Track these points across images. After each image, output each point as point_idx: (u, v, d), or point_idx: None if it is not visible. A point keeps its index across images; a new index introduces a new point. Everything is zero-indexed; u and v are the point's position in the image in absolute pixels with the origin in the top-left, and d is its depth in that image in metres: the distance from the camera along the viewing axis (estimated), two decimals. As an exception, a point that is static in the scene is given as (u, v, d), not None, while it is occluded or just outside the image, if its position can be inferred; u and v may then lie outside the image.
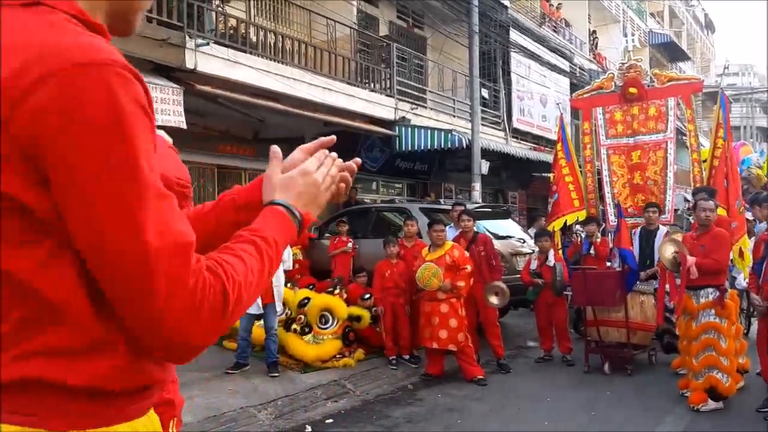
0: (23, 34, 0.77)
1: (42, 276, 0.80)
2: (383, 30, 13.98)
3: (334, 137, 1.20)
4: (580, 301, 6.89)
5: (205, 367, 5.99)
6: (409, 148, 11.32)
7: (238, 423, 4.96)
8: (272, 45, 9.41)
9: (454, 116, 13.42)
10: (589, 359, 6.72)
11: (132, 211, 0.77)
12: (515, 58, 15.26)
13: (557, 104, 12.58)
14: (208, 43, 7.77)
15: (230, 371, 6.10)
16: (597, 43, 22.88)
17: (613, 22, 23.56)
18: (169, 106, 7.00)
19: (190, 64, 7.52)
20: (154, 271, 0.78)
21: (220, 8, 9.00)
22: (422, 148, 11.16)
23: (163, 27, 7.30)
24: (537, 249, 7.54)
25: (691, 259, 5.14)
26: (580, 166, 8.42)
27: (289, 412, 5.34)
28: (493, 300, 6.60)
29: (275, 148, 1.13)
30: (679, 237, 5.90)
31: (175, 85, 7.31)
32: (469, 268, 6.32)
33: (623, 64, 8.55)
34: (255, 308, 5.99)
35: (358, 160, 1.21)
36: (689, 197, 9.44)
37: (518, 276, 7.66)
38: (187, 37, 7.52)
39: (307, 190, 1.06)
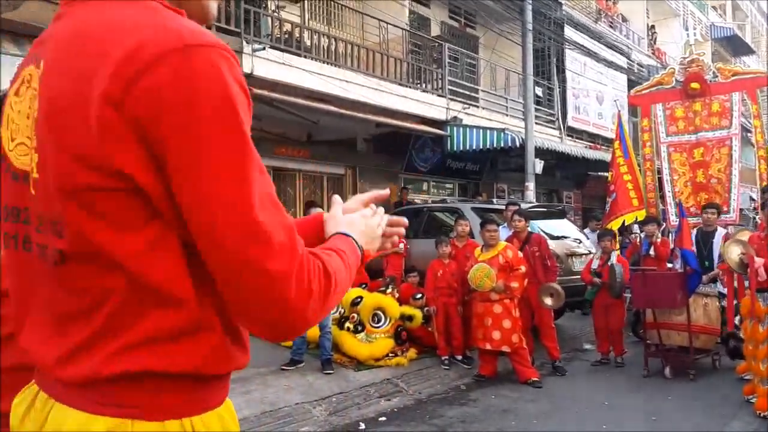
0: (132, 18, 0.79)
1: (149, 258, 0.80)
2: (435, 30, 13.97)
3: (387, 192, 1.25)
4: (640, 303, 6.70)
5: (262, 363, 6.14)
6: (461, 148, 11.27)
7: (294, 418, 5.06)
8: (326, 48, 9.56)
9: (507, 115, 13.28)
10: (649, 363, 6.53)
11: (245, 186, 0.79)
12: (570, 55, 14.98)
13: (615, 101, 12.26)
14: (264, 48, 7.96)
15: (285, 368, 6.22)
16: (656, 38, 22.18)
17: (672, 16, 22.80)
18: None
19: (247, 69, 7.73)
20: (270, 246, 0.78)
21: (275, 13, 9.20)
22: (474, 147, 11.09)
23: (221, 33, 7.53)
24: (600, 249, 7.34)
25: (759, 261, 4.93)
26: (639, 165, 8.21)
27: (342, 409, 5.42)
28: (548, 301, 6.50)
29: (336, 197, 1.20)
30: (745, 237, 5.67)
31: (232, 89, 7.52)
32: (523, 268, 6.25)
33: (684, 58, 8.29)
34: None
35: (405, 220, 1.24)
36: (755, 196, 9.06)
37: (574, 277, 7.52)
38: (244, 42, 7.73)
39: (367, 231, 1.10)
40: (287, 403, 5.30)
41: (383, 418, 5.30)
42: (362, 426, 5.10)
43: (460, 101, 11.94)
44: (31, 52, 0.90)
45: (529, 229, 7.03)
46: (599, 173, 15.74)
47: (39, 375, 0.91)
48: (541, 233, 7.32)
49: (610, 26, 18.26)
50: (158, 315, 0.81)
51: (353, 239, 1.04)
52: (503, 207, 8.28)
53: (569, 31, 14.60)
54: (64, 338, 0.84)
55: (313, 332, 6.54)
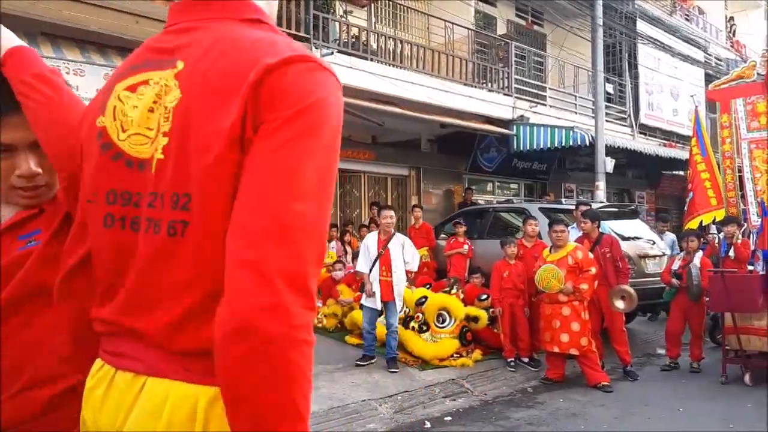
0: (264, 37, 0.94)
1: None
2: (501, 29, 13.84)
3: None
4: (718, 306, 6.43)
5: (329, 361, 6.29)
6: (528, 147, 11.11)
7: (361, 414, 5.16)
8: (392, 50, 9.66)
9: (576, 113, 12.99)
10: (728, 369, 6.25)
11: (325, 181, 0.87)
12: (643, 50, 14.48)
13: (691, 97, 11.77)
14: (332, 53, 8.14)
15: (360, 363, 6.32)
16: (735, 30, 21.11)
17: (753, 7, 21.62)
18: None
19: (315, 73, 7.92)
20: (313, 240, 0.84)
21: (343, 18, 9.38)
22: (542, 146, 10.92)
23: (292, 40, 7.75)
24: (683, 250, 7.06)
25: None
26: (718, 163, 7.87)
27: (408, 407, 5.47)
28: (619, 304, 6.33)
29: None
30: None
31: (302, 94, 7.74)
32: (593, 270, 6.12)
33: (766, 50, 7.87)
34: (372, 303, 6.22)
35: None
36: None
37: (646, 280, 7.28)
38: (314, 48, 7.93)
39: None
40: (354, 400, 5.40)
41: (449, 418, 5.32)
42: (428, 425, 5.14)
43: (527, 100, 11.78)
44: (150, 58, 1.01)
45: (600, 230, 6.87)
46: (674, 172, 15.15)
47: (114, 357, 0.97)
48: (612, 234, 7.13)
49: (686, 19, 17.52)
50: None
51: None
52: (572, 207, 8.11)
53: (642, 25, 14.11)
54: (171, 308, 0.90)
55: (380, 331, 6.64)
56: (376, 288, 6.23)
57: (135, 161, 0.96)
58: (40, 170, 1.27)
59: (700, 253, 6.83)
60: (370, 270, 6.30)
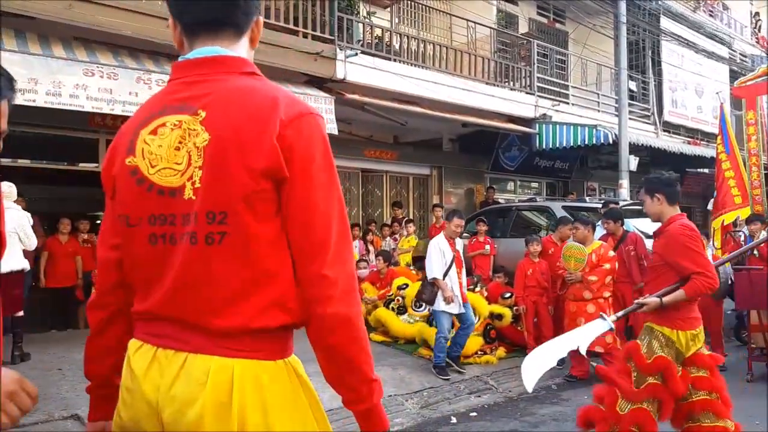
0: (268, 91, 1.24)
1: (278, 241, 1.20)
2: (523, 27, 13.83)
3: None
4: (744, 304, 6.41)
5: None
6: (550, 146, 11.11)
7: (388, 409, 5.26)
8: (414, 51, 9.73)
9: (599, 111, 12.94)
10: (754, 367, 6.24)
11: (333, 197, 1.23)
12: (667, 47, 14.35)
13: (717, 94, 11.66)
14: (356, 54, 8.23)
15: (442, 377, 6.10)
16: (760, 26, 20.78)
17: (781, 1, 21.25)
18: (322, 115, 7.54)
19: (340, 75, 8.04)
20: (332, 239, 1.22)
21: (367, 19, 9.48)
22: (564, 145, 10.90)
23: (317, 42, 7.88)
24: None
25: None
26: (743, 160, 7.82)
27: (434, 403, 5.56)
28: None
29: None
30: None
31: (327, 95, 7.86)
32: (607, 266, 6.16)
33: (793, 47, 7.81)
34: (454, 308, 6.16)
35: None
36: None
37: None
38: (338, 49, 8.04)
39: None
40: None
41: (474, 414, 5.40)
42: (453, 420, 5.23)
43: (550, 98, 11.77)
44: (167, 105, 1.27)
45: (624, 228, 6.88)
46: (699, 170, 14.99)
47: (157, 337, 1.23)
48: (637, 232, 7.13)
49: (710, 15, 17.31)
50: (277, 282, 1.20)
51: None
52: (596, 205, 8.12)
53: (666, 22, 13.99)
54: (211, 299, 1.19)
55: (408, 330, 6.76)
56: (457, 291, 6.19)
57: (166, 189, 1.22)
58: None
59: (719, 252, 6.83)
60: (444, 275, 6.21)
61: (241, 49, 1.31)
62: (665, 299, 3.47)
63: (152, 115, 1.27)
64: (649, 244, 7.05)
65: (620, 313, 3.94)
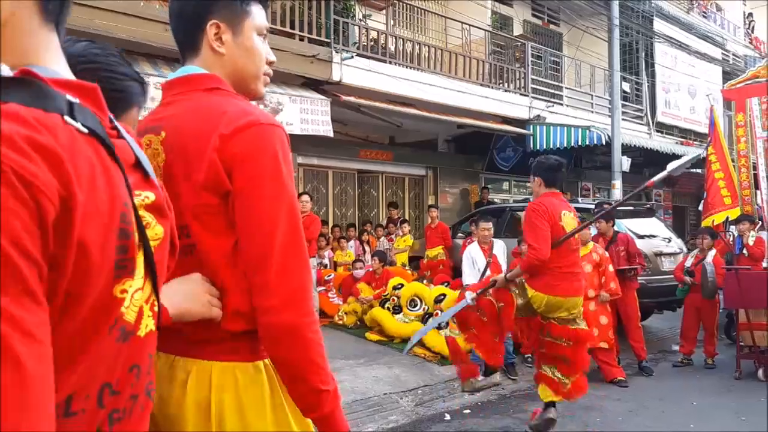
0: (226, 104, 1.27)
1: (234, 255, 1.25)
2: (518, 29, 13.94)
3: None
4: (732, 303, 6.54)
5: (351, 356, 6.50)
6: (544, 147, 11.22)
7: (383, 407, 5.36)
8: (410, 53, 9.84)
9: (593, 112, 13.07)
10: (742, 365, 6.37)
11: (280, 208, 1.21)
12: (660, 48, 14.50)
13: (707, 95, 11.80)
14: (352, 56, 8.33)
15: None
16: (754, 27, 20.95)
17: (774, 2, 21.42)
18: (318, 116, 7.65)
19: (336, 77, 8.14)
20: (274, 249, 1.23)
21: (362, 22, 9.58)
22: (558, 145, 11.03)
23: (313, 44, 7.97)
24: (696, 248, 7.18)
25: None
26: (733, 161, 7.95)
27: (428, 401, 5.67)
28: None
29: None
30: None
31: (323, 97, 7.96)
32: (611, 267, 6.30)
33: (782, 50, 7.94)
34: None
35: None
36: None
37: (662, 277, 7.40)
38: (334, 52, 8.14)
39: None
40: (376, 393, 5.61)
41: (468, 411, 5.50)
42: (447, 417, 5.33)
43: (544, 99, 11.89)
44: (145, 127, 1.34)
45: (614, 228, 6.99)
46: (691, 170, 15.13)
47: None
48: (629, 232, 7.25)
49: (703, 16, 17.47)
50: (234, 293, 1.26)
51: None
52: (589, 206, 8.23)
53: (659, 24, 14.13)
54: None
55: (403, 329, 6.84)
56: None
57: None
58: None
59: (713, 251, 6.93)
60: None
61: (208, 62, 1.35)
62: (508, 274, 4.25)
63: (139, 132, 1.32)
64: (640, 244, 7.20)
65: (479, 291, 4.44)
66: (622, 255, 6.69)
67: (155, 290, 0.77)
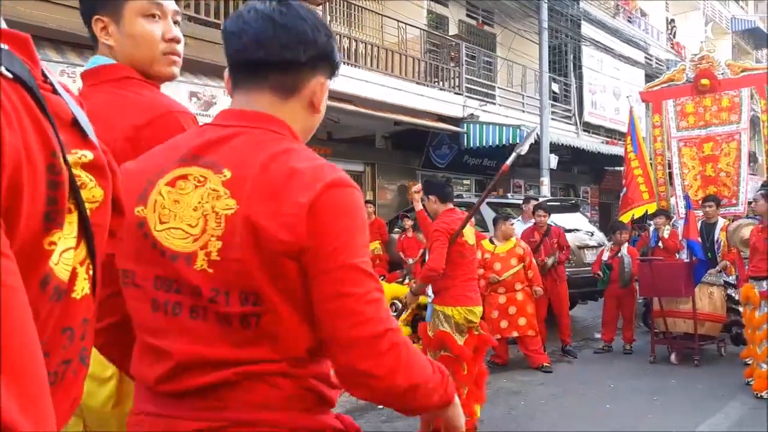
0: (138, 97, 1.31)
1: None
2: (453, 29, 14.24)
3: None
4: (646, 292, 6.97)
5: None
6: (477, 145, 11.56)
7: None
8: (346, 49, 9.91)
9: (524, 111, 13.52)
10: (656, 350, 6.80)
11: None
12: (587, 51, 15.14)
13: (627, 97, 12.45)
14: (288, 50, 8.32)
15: None
16: (675, 32, 22.13)
17: (692, 9, 22.72)
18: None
19: (271, 71, 8.10)
20: None
21: (298, 16, 9.57)
22: (490, 143, 11.37)
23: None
24: (611, 241, 7.60)
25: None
26: (650, 159, 8.44)
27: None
28: None
29: None
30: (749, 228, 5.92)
31: (257, 91, 7.91)
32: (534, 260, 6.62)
33: (695, 55, 8.50)
34: None
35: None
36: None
37: (585, 269, 7.79)
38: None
39: None
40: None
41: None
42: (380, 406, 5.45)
43: (477, 98, 12.22)
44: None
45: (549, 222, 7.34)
46: (616, 168, 15.88)
47: None
48: (560, 226, 7.61)
49: (629, 21, 18.32)
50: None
51: None
52: (518, 202, 8.56)
53: (586, 28, 14.75)
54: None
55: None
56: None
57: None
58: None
59: (626, 245, 7.39)
60: None
61: (107, 54, 1.40)
62: (413, 288, 4.67)
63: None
64: (569, 237, 7.57)
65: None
66: (555, 247, 7.03)
67: (92, 253, 0.74)
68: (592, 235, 8.66)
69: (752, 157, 9.71)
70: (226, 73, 1.17)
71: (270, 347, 1.02)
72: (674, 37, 22.10)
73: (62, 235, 0.67)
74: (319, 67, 1.16)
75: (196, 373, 1.02)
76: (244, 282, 1.00)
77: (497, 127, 11.42)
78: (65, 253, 0.68)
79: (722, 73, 8.08)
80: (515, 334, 6.48)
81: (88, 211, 0.72)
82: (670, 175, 8.35)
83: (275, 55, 1.09)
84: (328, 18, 10.81)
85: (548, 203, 8.70)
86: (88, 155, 0.73)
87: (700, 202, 7.67)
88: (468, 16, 15.12)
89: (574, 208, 9.25)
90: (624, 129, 15.73)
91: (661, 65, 18.45)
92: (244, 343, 1.02)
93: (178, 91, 6.81)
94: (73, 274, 0.71)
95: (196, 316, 1.03)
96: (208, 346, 1.02)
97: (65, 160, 0.67)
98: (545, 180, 11.15)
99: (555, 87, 14.17)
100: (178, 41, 1.43)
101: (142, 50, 1.40)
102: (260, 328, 1.01)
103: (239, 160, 1.05)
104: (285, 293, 1.01)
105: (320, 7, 10.34)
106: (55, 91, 0.72)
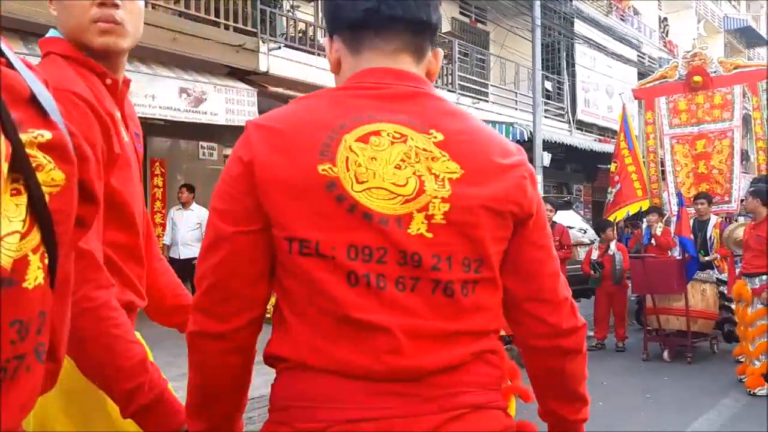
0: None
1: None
2: (446, 26, 14.19)
3: None
4: (639, 289, 6.96)
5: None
6: (471, 142, 11.51)
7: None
8: (338, 46, 9.85)
9: (517, 109, 13.50)
10: (649, 347, 6.79)
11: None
12: (580, 49, 15.14)
13: (620, 95, 12.47)
14: (280, 47, 8.28)
15: None
16: (668, 31, 22.19)
17: (685, 8, 22.78)
18: (244, 107, 7.56)
19: (263, 67, 8.06)
20: None
21: (290, 13, 9.52)
22: (483, 141, 11.33)
23: (239, 33, 7.86)
24: (599, 239, 7.62)
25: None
26: (643, 156, 8.43)
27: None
28: None
29: None
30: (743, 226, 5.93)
31: (249, 88, 7.87)
32: None
33: (687, 52, 8.49)
34: None
35: None
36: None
37: (578, 266, 7.78)
38: (261, 42, 8.06)
39: None
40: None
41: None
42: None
43: (470, 96, 12.19)
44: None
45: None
46: (608, 166, 15.93)
47: None
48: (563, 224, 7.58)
49: (621, 19, 18.34)
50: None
51: None
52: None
53: (579, 26, 14.75)
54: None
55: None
56: None
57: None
58: None
59: (614, 242, 7.38)
60: None
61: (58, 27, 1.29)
62: None
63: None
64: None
65: None
66: (556, 245, 7.01)
67: (48, 241, 0.68)
68: (585, 232, 8.66)
69: (745, 155, 9.72)
70: (326, 40, 1.12)
71: (483, 319, 0.99)
72: (667, 35, 22.15)
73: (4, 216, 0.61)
74: (432, 37, 1.09)
75: (421, 351, 0.93)
76: (469, 247, 0.97)
77: (490, 124, 11.37)
78: (8, 238, 0.62)
79: (715, 71, 8.07)
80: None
81: (47, 196, 0.66)
82: (663, 172, 8.34)
83: (411, 11, 1.02)
84: (320, 14, 10.75)
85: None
86: (46, 134, 0.68)
87: (692, 199, 7.67)
88: (461, 13, 15.08)
89: (567, 206, 9.25)
90: (616, 127, 15.80)
91: (653, 63, 18.47)
92: (461, 315, 0.96)
93: (167, 87, 6.76)
94: (24, 262, 0.65)
95: (402, 288, 0.94)
96: (426, 319, 0.94)
97: (13, 138, 0.62)
98: (538, 178, 11.13)
99: (548, 85, 14.16)
100: (110, 4, 1.19)
101: (71, 18, 1.22)
102: (475, 298, 0.98)
103: (440, 122, 1.00)
104: (498, 259, 1.01)
105: (312, 2, 10.30)
106: (10, 65, 0.67)
